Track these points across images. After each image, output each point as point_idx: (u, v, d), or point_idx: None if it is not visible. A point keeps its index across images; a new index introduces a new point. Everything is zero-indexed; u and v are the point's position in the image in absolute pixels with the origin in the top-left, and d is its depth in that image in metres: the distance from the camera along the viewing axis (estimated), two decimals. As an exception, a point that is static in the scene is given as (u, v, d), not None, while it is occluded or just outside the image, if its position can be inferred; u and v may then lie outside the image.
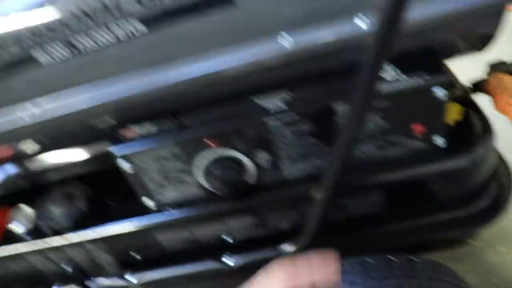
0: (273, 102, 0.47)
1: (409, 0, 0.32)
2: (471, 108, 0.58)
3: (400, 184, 0.54)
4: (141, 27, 0.44)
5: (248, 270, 0.46)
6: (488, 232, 0.97)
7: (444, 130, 0.51)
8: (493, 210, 0.59)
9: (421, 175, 0.53)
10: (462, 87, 0.62)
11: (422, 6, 0.41)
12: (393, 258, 0.50)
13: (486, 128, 0.56)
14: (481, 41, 0.50)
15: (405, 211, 0.58)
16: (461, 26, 0.46)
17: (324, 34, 0.42)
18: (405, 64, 0.46)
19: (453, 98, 0.58)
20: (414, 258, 0.51)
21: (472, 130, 0.55)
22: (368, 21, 0.42)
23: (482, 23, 0.47)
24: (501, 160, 0.63)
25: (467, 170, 0.54)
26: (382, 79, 0.45)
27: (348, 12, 0.42)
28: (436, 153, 0.52)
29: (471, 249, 0.96)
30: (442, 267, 0.52)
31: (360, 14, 0.41)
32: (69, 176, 0.66)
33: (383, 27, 0.33)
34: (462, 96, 0.59)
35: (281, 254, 0.56)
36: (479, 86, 0.59)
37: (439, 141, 0.51)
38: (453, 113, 0.56)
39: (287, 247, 0.55)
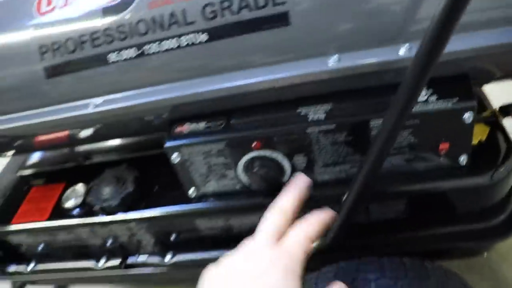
0: (315, 112, 0.52)
1: (450, 35, 0.37)
2: (497, 129, 0.62)
3: (423, 196, 0.58)
4: (203, 37, 0.50)
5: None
6: (503, 246, 1.01)
7: (469, 150, 0.54)
8: (510, 225, 0.62)
9: (443, 189, 0.57)
10: (491, 109, 0.65)
11: (461, 39, 0.45)
12: (407, 261, 0.55)
13: (509, 149, 0.59)
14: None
15: (426, 220, 0.61)
16: (496, 58, 0.50)
17: (368, 58, 0.47)
18: (439, 88, 0.51)
19: (480, 119, 0.62)
20: (427, 263, 0.56)
21: (496, 151, 0.59)
22: (409, 48, 0.46)
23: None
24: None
25: (487, 187, 0.57)
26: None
27: (393, 41, 0.46)
28: (459, 170, 0.56)
29: (486, 261, 0.99)
30: (453, 274, 0.57)
31: (404, 43, 0.46)
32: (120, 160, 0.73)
33: (424, 56, 0.38)
34: (490, 118, 0.63)
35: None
36: (507, 110, 0.62)
37: (464, 159, 0.55)
38: (479, 133, 0.61)
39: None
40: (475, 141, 0.59)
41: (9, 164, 0.91)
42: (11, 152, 0.79)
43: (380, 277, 0.54)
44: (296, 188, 0.51)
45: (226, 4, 0.48)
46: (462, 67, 0.50)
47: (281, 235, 0.47)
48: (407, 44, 0.46)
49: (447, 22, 0.35)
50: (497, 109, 0.63)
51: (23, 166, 0.88)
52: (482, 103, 0.66)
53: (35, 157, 0.89)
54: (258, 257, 0.44)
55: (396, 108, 0.41)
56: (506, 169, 0.57)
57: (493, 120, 0.62)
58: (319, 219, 0.49)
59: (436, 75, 0.49)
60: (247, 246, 0.47)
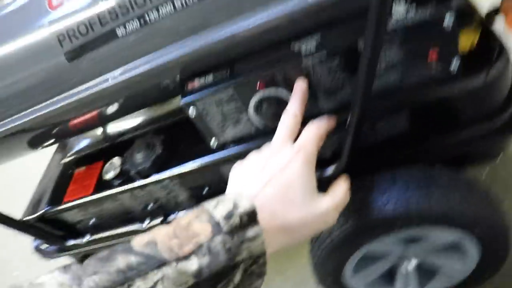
0: (307, 45, 0.57)
1: None
2: (486, 33, 0.64)
3: (422, 107, 0.62)
4: (194, -4, 0.55)
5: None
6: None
7: (458, 54, 0.58)
8: None
9: (440, 97, 0.61)
10: (478, 13, 0.68)
11: None
12: (415, 168, 0.60)
13: (501, 50, 0.62)
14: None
15: (433, 131, 0.65)
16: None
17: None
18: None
19: (468, 26, 0.65)
20: (435, 168, 0.60)
21: (488, 54, 0.62)
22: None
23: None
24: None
25: (484, 88, 0.61)
26: (393, 13, 0.54)
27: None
28: (453, 76, 0.59)
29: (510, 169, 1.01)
30: (461, 174, 0.61)
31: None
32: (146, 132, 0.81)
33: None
34: (478, 21, 0.65)
35: (324, 176, 0.66)
36: (493, 12, 0.64)
37: (455, 64, 0.58)
38: (469, 38, 0.64)
39: (329, 170, 0.65)
40: (465, 47, 0.62)
41: (54, 157, 1.01)
42: (52, 141, 0.88)
43: (391, 186, 0.59)
44: (297, 92, 0.58)
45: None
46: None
47: (295, 134, 0.55)
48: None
49: None
50: (485, 12, 0.66)
51: (66, 156, 0.96)
52: (469, 8, 0.68)
53: (73, 146, 0.97)
54: (281, 152, 0.53)
55: (372, 20, 0.45)
56: (498, 69, 0.60)
57: (482, 24, 0.65)
58: (324, 121, 0.57)
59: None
60: (269, 146, 0.55)
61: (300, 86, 0.58)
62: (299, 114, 0.56)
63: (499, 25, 0.65)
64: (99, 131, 0.93)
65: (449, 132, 0.65)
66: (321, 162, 0.67)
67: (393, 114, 0.63)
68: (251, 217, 0.44)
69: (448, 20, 0.53)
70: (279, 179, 0.50)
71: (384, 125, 0.64)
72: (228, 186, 0.54)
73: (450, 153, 0.68)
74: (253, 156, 0.56)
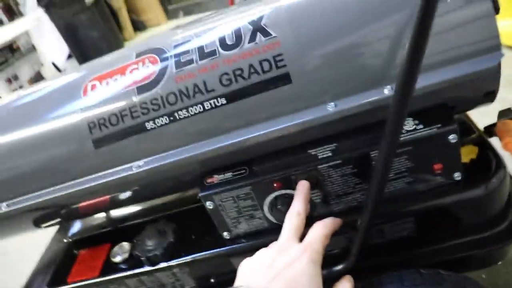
0: (323, 152, 0.62)
1: (417, 75, 0.47)
2: (486, 148, 0.70)
3: (428, 213, 0.66)
4: (221, 100, 0.61)
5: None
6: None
7: (461, 167, 0.63)
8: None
9: (444, 205, 0.65)
10: (477, 131, 0.74)
11: (431, 75, 0.55)
12: (423, 271, 0.62)
13: (498, 164, 0.67)
14: (487, 96, 0.63)
15: (434, 235, 0.69)
16: (466, 87, 0.59)
17: (359, 100, 0.57)
18: (424, 118, 0.60)
19: (469, 141, 0.71)
20: (442, 271, 0.63)
21: (488, 166, 0.67)
22: (391, 88, 0.56)
23: (485, 82, 0.60)
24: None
25: (484, 197, 0.65)
26: (404, 130, 0.59)
27: (378, 85, 0.57)
28: (457, 186, 0.64)
29: (508, 275, 1.04)
30: (467, 277, 0.63)
31: (387, 85, 0.56)
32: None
33: (398, 92, 0.48)
34: (478, 139, 0.72)
35: (333, 274, 0.67)
36: (490, 130, 0.71)
37: (458, 175, 0.63)
38: (470, 152, 0.69)
39: (337, 268, 0.67)
40: (467, 160, 0.68)
41: (56, 235, 1.01)
42: (58, 221, 0.89)
43: (400, 287, 0.61)
44: (301, 193, 0.61)
45: (238, 72, 0.59)
46: (439, 98, 0.60)
47: (300, 232, 0.58)
48: (389, 86, 0.56)
49: (412, 64, 0.45)
50: (482, 130, 0.72)
51: (69, 235, 0.97)
52: (470, 127, 0.75)
53: (78, 226, 0.99)
54: (288, 250, 0.55)
55: (387, 137, 0.51)
56: (498, 179, 0.65)
57: (481, 140, 0.71)
58: (330, 220, 0.60)
59: (420, 107, 0.60)
60: (276, 244, 0.57)
61: (303, 186, 0.62)
62: (303, 213, 0.59)
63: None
64: (105, 213, 0.95)
65: (452, 238, 0.68)
66: (329, 260, 0.70)
67: (400, 218, 0.66)
68: None
69: (452, 138, 0.58)
70: (285, 275, 0.52)
71: (391, 228, 0.67)
72: (236, 281, 0.56)
73: (453, 258, 0.70)
74: (261, 252, 0.58)
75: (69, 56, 3.67)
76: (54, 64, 3.36)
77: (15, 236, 0.93)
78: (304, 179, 0.63)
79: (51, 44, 3.38)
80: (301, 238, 0.58)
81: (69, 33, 3.59)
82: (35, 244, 1.05)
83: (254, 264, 0.57)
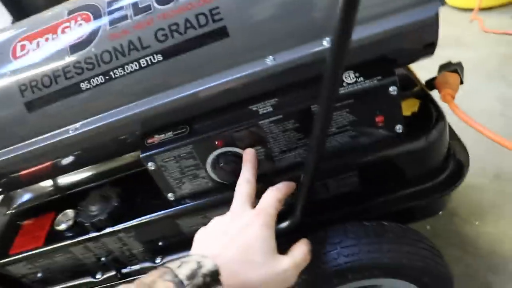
0: (264, 107, 0.61)
1: (352, 25, 0.46)
2: (427, 101, 0.71)
3: (371, 166, 0.67)
4: (158, 57, 0.58)
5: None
6: (463, 210, 1.11)
7: (402, 119, 0.63)
8: (453, 180, 0.70)
9: (387, 157, 0.66)
10: (419, 84, 0.75)
11: (368, 27, 0.55)
12: (367, 223, 0.64)
13: (439, 115, 0.69)
14: (427, 48, 0.63)
15: (379, 187, 0.70)
16: (405, 39, 0.59)
17: (299, 53, 0.56)
18: (365, 70, 0.60)
19: (411, 94, 0.72)
20: (385, 222, 0.65)
21: (428, 118, 0.69)
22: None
23: (424, 34, 0.60)
24: (458, 139, 0.77)
25: (425, 149, 0.66)
26: (345, 83, 0.59)
27: (318, 36, 0.56)
28: (398, 138, 0.65)
29: (450, 225, 1.09)
30: (408, 228, 0.65)
31: (327, 38, 0.55)
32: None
33: (334, 43, 0.47)
34: (419, 92, 0.73)
35: (279, 231, 0.68)
36: (431, 83, 0.72)
37: (399, 128, 0.64)
38: (411, 105, 0.70)
39: (283, 225, 0.67)
40: (408, 113, 0.69)
41: (-1, 206, 0.97)
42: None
43: (344, 239, 0.62)
44: (248, 161, 0.61)
45: (174, 27, 0.57)
46: (379, 50, 0.60)
47: (252, 199, 0.58)
48: (328, 38, 0.55)
49: (346, 14, 0.44)
50: (424, 83, 0.73)
51: (12, 206, 0.93)
52: (412, 81, 0.76)
53: (22, 197, 0.95)
54: (240, 216, 0.55)
55: (325, 89, 0.50)
56: (438, 131, 0.67)
57: (422, 93, 0.72)
58: (284, 185, 0.60)
59: (360, 60, 0.60)
60: (229, 212, 0.57)
61: (249, 153, 0.62)
62: (252, 179, 0.60)
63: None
64: (49, 182, 0.92)
65: (394, 190, 0.70)
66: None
67: (343, 172, 0.67)
68: (213, 277, 0.45)
69: (392, 90, 0.59)
70: (239, 241, 0.52)
71: (335, 183, 0.68)
72: (192, 248, 0.55)
73: (396, 209, 0.72)
74: (215, 220, 0.57)
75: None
76: (-6, 32, 3.18)
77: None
78: (246, 136, 0.62)
79: (-11, 11, 3.18)
80: (254, 205, 0.58)
81: (11, 1, 3.38)
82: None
83: (208, 232, 0.56)
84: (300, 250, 0.56)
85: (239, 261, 0.50)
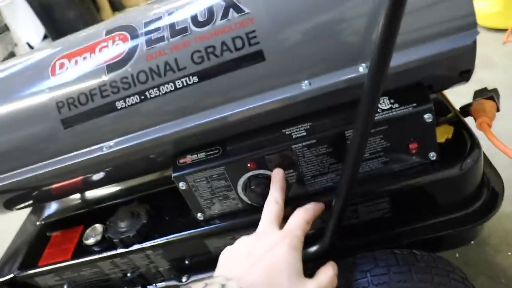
0: (297, 131, 0.61)
1: (391, 53, 0.46)
2: (462, 128, 0.70)
3: (403, 193, 0.66)
4: (193, 78, 0.59)
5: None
6: (495, 238, 1.08)
7: (436, 147, 0.62)
8: (486, 210, 0.68)
9: (419, 185, 0.65)
10: (453, 110, 0.74)
11: (406, 53, 0.54)
12: (397, 251, 0.62)
13: (474, 143, 0.67)
14: (463, 75, 0.62)
15: (410, 215, 0.69)
16: (441, 66, 0.59)
17: (335, 78, 0.56)
18: (400, 97, 0.60)
19: (445, 121, 0.71)
20: (416, 251, 0.63)
21: (462, 146, 0.67)
22: (367, 66, 0.55)
23: (460, 61, 0.60)
24: (492, 167, 0.75)
25: (459, 177, 0.65)
26: (379, 109, 0.59)
27: (354, 61, 0.56)
28: (432, 166, 0.64)
29: (481, 254, 1.06)
30: (440, 258, 0.64)
31: (362, 63, 0.55)
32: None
33: (372, 70, 0.47)
34: (452, 118, 0.72)
35: (307, 255, 0.67)
36: (466, 110, 0.71)
37: (433, 155, 0.63)
38: (445, 132, 0.69)
39: (311, 249, 0.66)
40: (442, 140, 0.67)
41: (29, 217, 0.99)
42: (29, 203, 0.87)
43: (374, 267, 0.61)
44: (276, 181, 0.61)
45: (210, 49, 0.57)
46: (414, 76, 0.59)
47: (280, 220, 0.58)
48: (364, 64, 0.55)
49: (386, 41, 0.44)
50: (458, 110, 0.72)
51: (42, 217, 0.95)
52: (446, 107, 0.75)
53: (51, 208, 0.96)
54: (266, 237, 0.55)
55: (361, 116, 0.50)
56: (473, 159, 0.65)
57: (456, 120, 0.71)
58: (312, 206, 0.59)
59: (395, 86, 0.59)
60: (256, 232, 0.57)
61: (278, 173, 0.62)
62: (280, 200, 0.59)
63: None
64: (78, 195, 0.93)
65: (425, 218, 0.68)
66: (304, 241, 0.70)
67: (374, 199, 0.66)
68: None
69: (427, 117, 0.58)
70: (264, 262, 0.51)
71: (365, 209, 0.67)
72: (216, 269, 0.55)
73: (427, 238, 0.70)
74: (240, 240, 0.57)
75: (45, 37, 3.57)
76: (28, 44, 3.27)
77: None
78: (278, 159, 0.62)
79: (25, 24, 3.28)
80: (282, 226, 0.57)
81: (45, 13, 3.47)
82: (9, 227, 1.02)
83: (233, 252, 0.56)
84: (326, 275, 0.55)
85: (264, 284, 0.49)
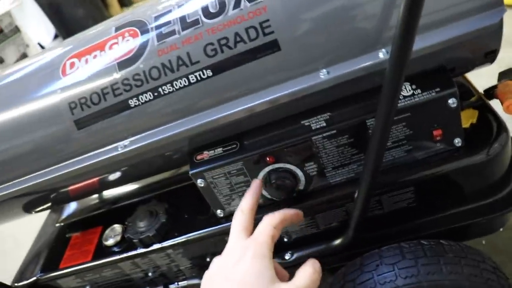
0: (317, 122, 0.59)
1: (414, 36, 0.44)
2: (487, 111, 0.67)
3: (428, 182, 0.63)
4: (207, 72, 0.57)
5: (302, 263, 0.55)
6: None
7: (462, 132, 0.60)
8: None
9: (445, 173, 0.62)
10: (477, 93, 0.71)
11: (428, 36, 0.52)
12: (425, 242, 0.60)
13: (500, 127, 0.65)
14: (488, 56, 0.60)
15: (435, 204, 0.66)
16: (465, 47, 0.56)
17: (354, 66, 0.54)
18: (422, 82, 0.57)
19: (469, 104, 0.68)
20: (443, 241, 0.61)
21: (488, 130, 0.65)
22: (387, 51, 0.53)
23: (486, 41, 0.57)
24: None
25: (486, 163, 0.62)
26: (401, 95, 0.56)
27: (373, 47, 0.54)
28: (457, 152, 0.61)
29: (509, 240, 1.02)
30: (470, 247, 0.61)
31: (382, 48, 0.53)
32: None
33: (395, 55, 0.45)
34: (477, 102, 0.69)
35: (331, 249, 0.65)
36: (490, 92, 0.68)
37: (458, 141, 0.60)
38: (470, 116, 0.66)
39: (335, 242, 0.65)
40: (467, 125, 0.65)
41: (48, 219, 0.99)
42: (48, 205, 0.86)
43: (401, 259, 0.59)
44: (249, 191, 0.59)
45: (223, 41, 0.56)
46: (437, 60, 0.56)
47: (248, 230, 0.56)
48: (384, 49, 0.52)
49: (408, 24, 0.42)
50: (482, 93, 0.69)
51: (60, 219, 0.95)
52: (469, 90, 0.72)
53: (70, 209, 0.96)
54: (232, 251, 0.53)
55: (383, 103, 0.48)
56: (500, 144, 0.62)
57: (481, 103, 0.68)
58: (281, 212, 0.57)
59: (417, 71, 0.57)
60: (225, 249, 0.55)
61: (254, 183, 0.60)
62: (246, 210, 0.57)
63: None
64: (95, 195, 0.92)
65: (452, 206, 0.66)
66: (327, 234, 0.68)
67: (398, 188, 0.64)
68: None
69: (452, 102, 0.55)
70: (232, 279, 0.50)
71: (390, 199, 0.65)
72: None
73: (454, 227, 0.68)
74: (213, 262, 0.55)
75: (56, 36, 3.59)
76: (40, 44, 3.28)
77: (7, 222, 0.91)
78: (297, 151, 0.60)
79: (35, 24, 3.29)
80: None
81: (53, 12, 3.49)
82: (31, 230, 1.02)
83: (210, 277, 0.55)
84: (305, 274, 0.52)
85: None
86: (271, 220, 0.55)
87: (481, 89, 0.71)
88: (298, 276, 0.52)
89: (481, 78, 0.73)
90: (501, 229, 0.76)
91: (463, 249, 0.62)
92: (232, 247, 0.54)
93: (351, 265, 0.63)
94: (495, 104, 0.68)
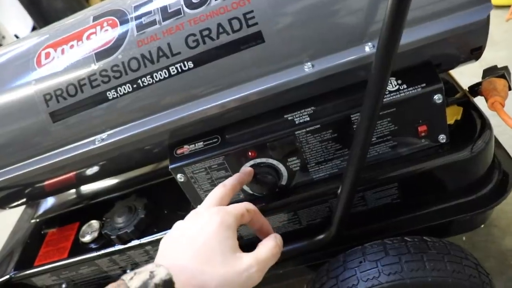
0: (300, 116, 0.57)
1: (401, 30, 0.43)
2: (471, 108, 0.67)
3: (412, 178, 0.63)
4: (188, 64, 0.55)
5: (285, 260, 0.54)
6: (503, 220, 1.06)
7: (446, 129, 0.59)
8: (498, 192, 0.66)
9: (429, 169, 0.62)
10: (462, 91, 0.71)
11: (414, 31, 0.51)
12: (408, 239, 0.60)
13: (484, 124, 0.64)
14: (474, 53, 0.59)
15: (419, 200, 0.66)
16: (452, 43, 0.56)
17: (339, 59, 0.53)
18: (408, 77, 0.56)
19: (453, 101, 0.68)
20: (427, 238, 0.60)
21: (472, 127, 0.64)
22: (373, 46, 0.52)
23: (473, 37, 0.56)
24: (502, 147, 0.72)
25: (469, 160, 0.62)
26: (387, 90, 0.55)
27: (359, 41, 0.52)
28: (441, 149, 0.61)
29: (488, 237, 1.03)
30: (452, 244, 0.61)
31: (368, 42, 0.52)
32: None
33: (381, 49, 0.44)
34: (461, 99, 0.68)
35: (314, 244, 0.64)
36: (475, 89, 0.68)
37: (443, 138, 0.60)
38: (454, 113, 0.66)
39: (318, 237, 0.64)
40: (451, 121, 0.64)
41: (23, 215, 0.96)
42: (23, 201, 0.84)
43: (385, 256, 0.58)
44: (238, 173, 0.59)
45: (205, 32, 0.54)
46: (424, 55, 0.56)
47: (222, 203, 0.54)
48: (370, 43, 0.51)
49: (396, 18, 0.40)
50: (467, 90, 0.69)
51: (36, 215, 0.92)
52: (453, 86, 0.72)
53: (46, 204, 0.93)
54: (199, 217, 0.52)
55: (369, 98, 0.47)
56: (484, 141, 0.62)
57: (465, 100, 0.68)
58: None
59: (403, 66, 0.56)
60: (194, 211, 0.54)
61: (246, 169, 0.60)
62: (229, 185, 0.56)
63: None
64: (72, 190, 0.90)
65: (436, 202, 0.66)
66: (310, 229, 0.67)
67: (382, 184, 0.63)
68: (167, 284, 0.42)
69: (437, 98, 0.55)
70: (198, 241, 0.49)
71: (373, 195, 0.64)
72: (155, 258, 0.52)
73: (435, 222, 0.68)
74: (176, 225, 0.53)
75: (34, 28, 3.51)
76: (16, 36, 3.20)
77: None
78: (280, 146, 0.58)
79: (12, 16, 3.21)
80: None
81: (31, 4, 3.41)
82: (5, 227, 0.99)
83: (170, 239, 0.52)
84: (267, 247, 0.52)
85: (196, 262, 0.47)
86: (247, 205, 0.54)
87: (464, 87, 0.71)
88: (259, 249, 0.51)
89: (463, 76, 0.72)
90: (482, 226, 0.76)
91: (446, 246, 0.61)
92: (200, 212, 0.53)
93: (334, 261, 0.62)
94: (479, 101, 0.68)
